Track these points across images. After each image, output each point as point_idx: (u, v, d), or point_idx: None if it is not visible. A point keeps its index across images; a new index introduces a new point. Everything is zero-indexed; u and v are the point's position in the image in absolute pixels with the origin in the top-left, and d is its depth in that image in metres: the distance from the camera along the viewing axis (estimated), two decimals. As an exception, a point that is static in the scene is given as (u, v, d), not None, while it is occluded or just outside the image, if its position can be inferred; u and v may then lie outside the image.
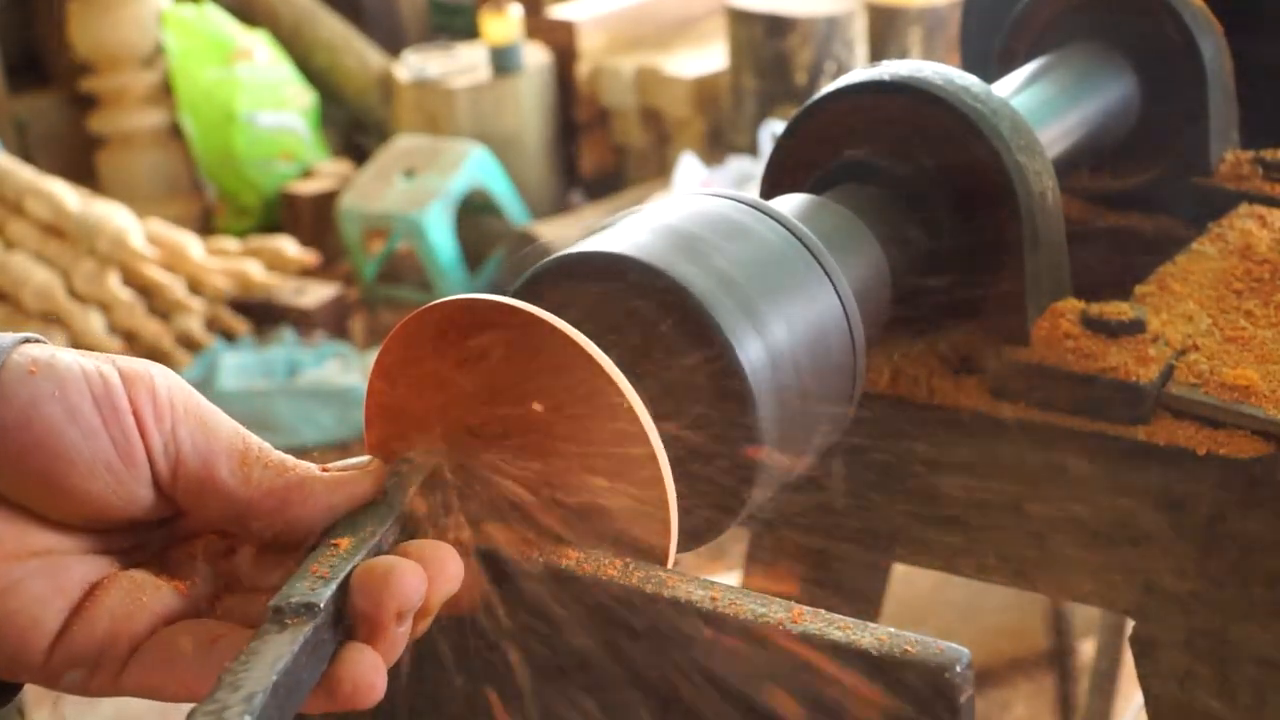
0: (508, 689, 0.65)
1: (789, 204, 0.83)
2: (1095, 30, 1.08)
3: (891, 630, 0.57)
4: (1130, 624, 0.87)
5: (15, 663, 0.58)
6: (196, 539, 0.63)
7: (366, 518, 0.60)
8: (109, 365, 0.59)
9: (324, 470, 0.62)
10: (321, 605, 0.55)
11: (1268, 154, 1.06)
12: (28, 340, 0.59)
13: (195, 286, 4.26)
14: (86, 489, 0.58)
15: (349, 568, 0.57)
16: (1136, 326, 0.86)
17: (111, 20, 5.05)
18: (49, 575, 0.58)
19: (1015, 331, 0.87)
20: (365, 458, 0.63)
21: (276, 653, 0.53)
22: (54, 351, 0.59)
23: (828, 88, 0.89)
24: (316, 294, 4.47)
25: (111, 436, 0.58)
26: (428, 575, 0.58)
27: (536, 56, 5.01)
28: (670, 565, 0.63)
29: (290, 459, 0.61)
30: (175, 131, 5.20)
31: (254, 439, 0.61)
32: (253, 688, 0.51)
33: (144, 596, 0.59)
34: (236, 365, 4.09)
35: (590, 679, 0.63)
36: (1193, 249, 0.97)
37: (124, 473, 0.58)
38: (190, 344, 4.22)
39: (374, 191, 4.60)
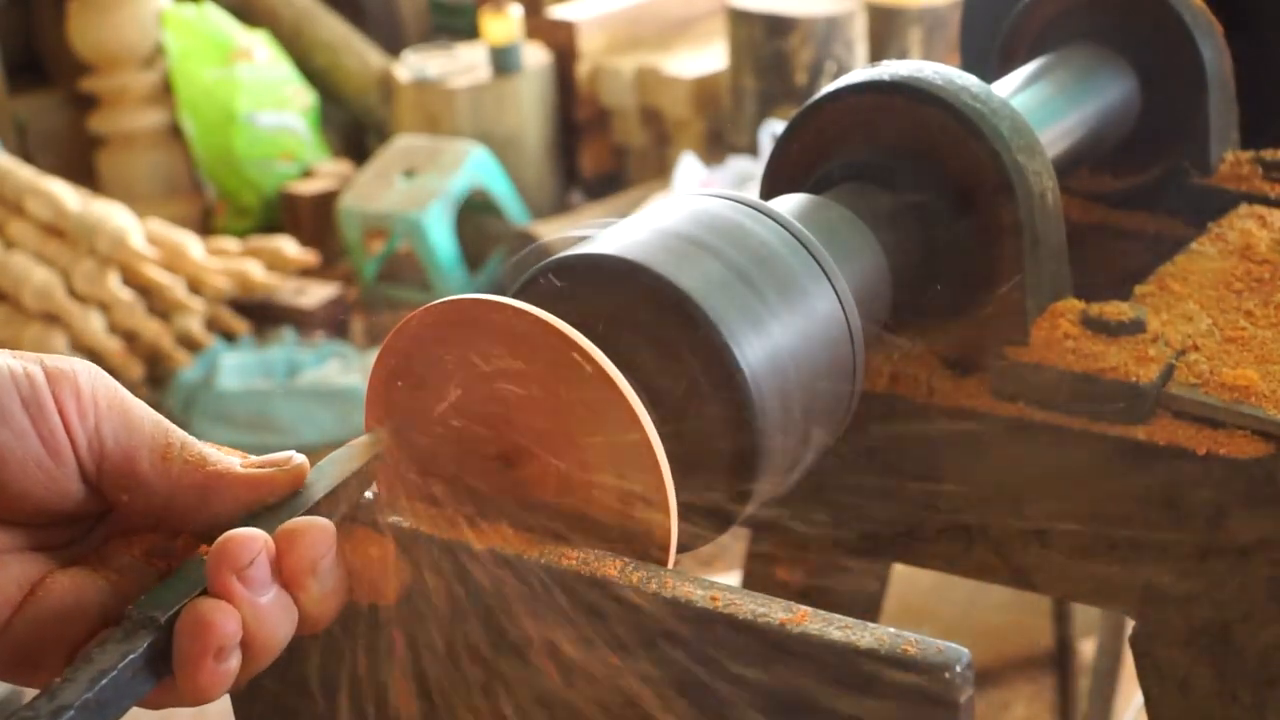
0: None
1: (789, 204, 0.83)
2: (1095, 30, 1.08)
3: (891, 630, 0.56)
4: (1130, 624, 0.87)
5: None
6: (135, 535, 0.63)
7: (267, 518, 0.61)
8: (35, 365, 0.60)
9: (245, 466, 0.62)
10: (163, 621, 0.56)
11: (1268, 154, 1.06)
12: None
13: (195, 286, 4.26)
14: (20, 486, 0.59)
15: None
16: (1136, 326, 0.86)
17: (111, 20, 5.05)
18: None
19: (1015, 331, 0.87)
20: (288, 453, 0.64)
21: (104, 665, 0.55)
22: None
23: (828, 88, 0.89)
24: (316, 294, 4.47)
25: (39, 434, 0.59)
26: (290, 544, 0.59)
27: (536, 56, 5.01)
28: (670, 565, 0.63)
29: (213, 454, 0.63)
30: (175, 131, 5.20)
31: (178, 434, 0.62)
32: (66, 700, 0.53)
33: (84, 596, 0.60)
34: (236, 365, 4.09)
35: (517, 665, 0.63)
36: (1193, 249, 0.97)
37: (54, 469, 0.60)
38: (190, 344, 4.22)
39: (374, 191, 4.60)
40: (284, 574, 0.59)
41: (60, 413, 0.60)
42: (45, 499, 0.60)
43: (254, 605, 0.58)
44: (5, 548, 0.60)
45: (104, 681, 0.54)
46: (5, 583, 0.59)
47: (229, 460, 0.63)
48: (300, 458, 0.63)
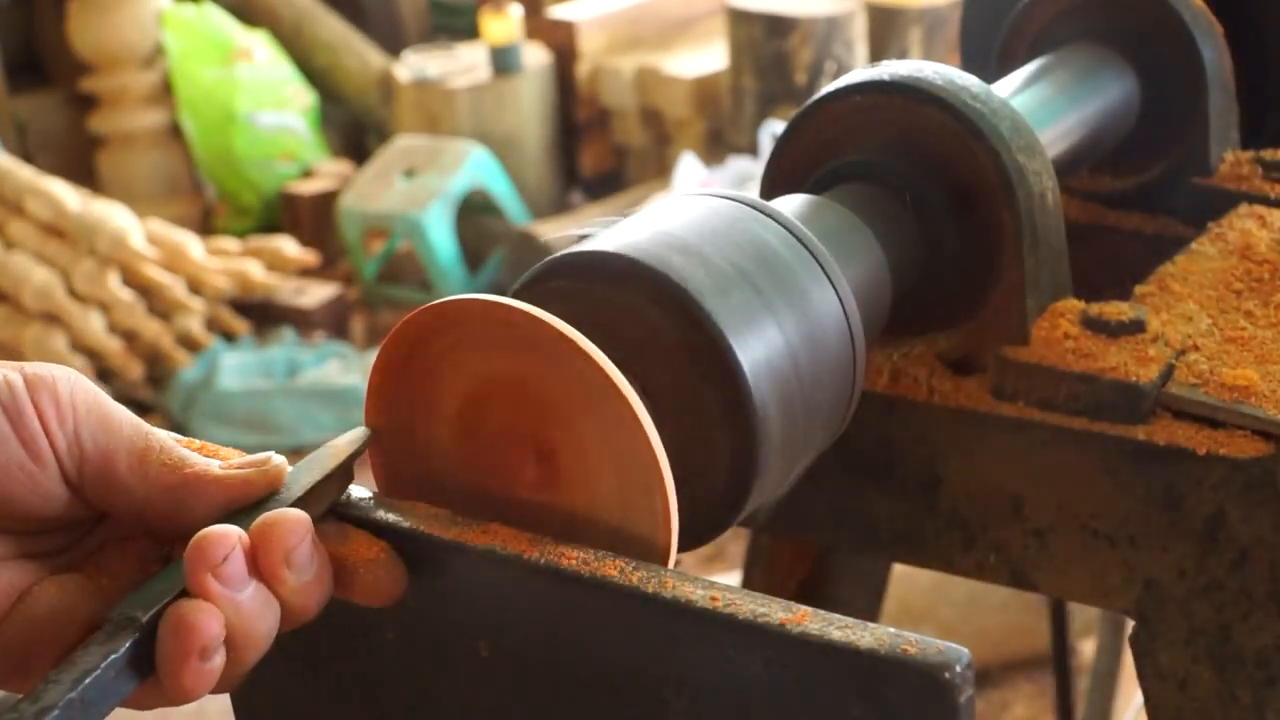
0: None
1: (789, 204, 0.83)
2: (1095, 30, 1.08)
3: (891, 630, 0.56)
4: (1130, 624, 0.87)
5: None
6: (129, 542, 0.64)
7: (244, 518, 0.61)
8: (15, 372, 0.61)
9: (224, 468, 0.63)
10: (144, 620, 0.57)
11: (1268, 154, 1.06)
12: None
13: (195, 286, 4.26)
14: (3, 490, 0.60)
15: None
16: (1136, 326, 0.86)
17: (111, 20, 5.05)
18: None
19: (1015, 331, 0.87)
20: (266, 454, 0.64)
21: (87, 665, 0.55)
22: None
23: (828, 88, 0.89)
24: (316, 294, 4.48)
25: (20, 438, 0.60)
26: (263, 537, 0.59)
27: (536, 56, 5.01)
28: (670, 565, 0.63)
29: (192, 457, 0.63)
30: (175, 131, 5.21)
31: (158, 437, 0.63)
32: (50, 701, 0.54)
33: (74, 602, 0.60)
34: (236, 365, 4.09)
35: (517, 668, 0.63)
36: (1193, 249, 0.97)
37: (36, 472, 0.60)
38: (190, 344, 4.22)
39: (374, 191, 4.61)
40: (260, 568, 0.59)
41: (40, 417, 0.60)
42: (30, 504, 0.61)
43: (233, 602, 0.58)
44: None
45: (87, 681, 0.55)
46: None
47: (207, 463, 0.63)
48: (279, 458, 0.64)
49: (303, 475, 0.64)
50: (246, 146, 5.05)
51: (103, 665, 0.55)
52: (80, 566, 0.63)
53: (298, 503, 0.62)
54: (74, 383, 0.62)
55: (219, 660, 0.57)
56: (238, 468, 0.63)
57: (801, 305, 0.72)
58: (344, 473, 0.65)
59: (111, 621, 0.57)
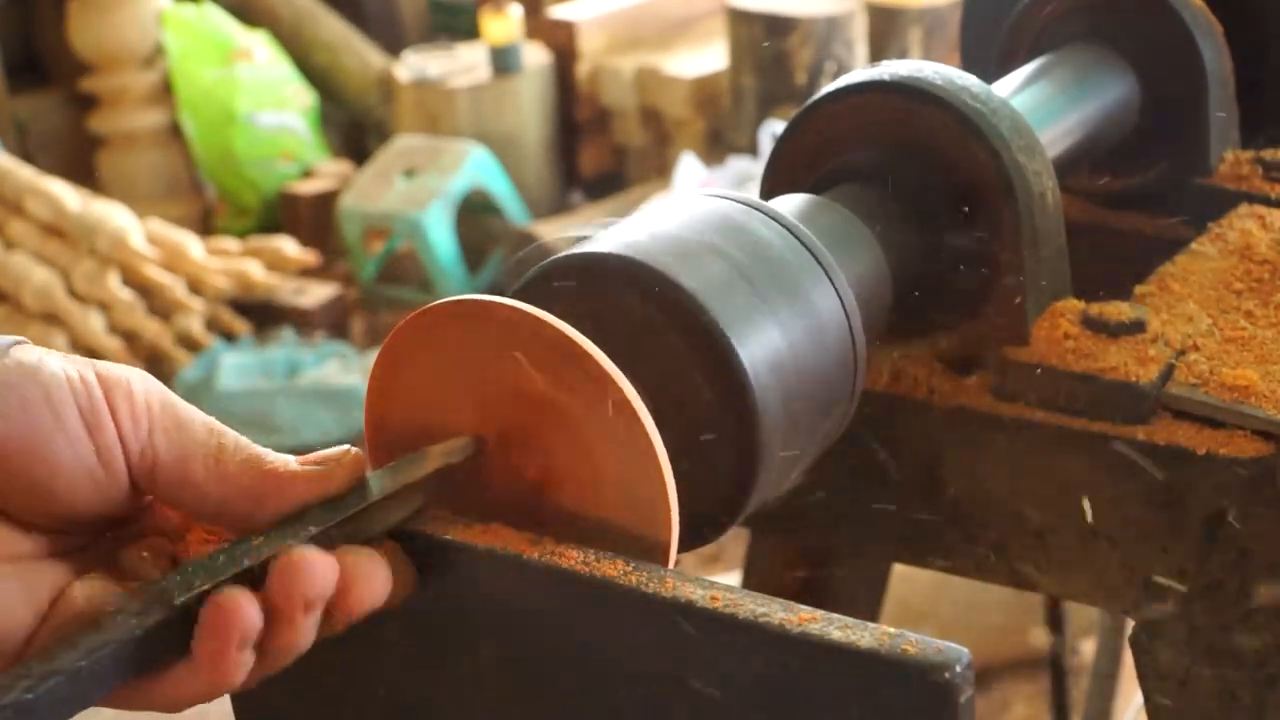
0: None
1: (789, 204, 0.83)
2: (1095, 30, 1.08)
3: (891, 630, 0.56)
4: (1130, 624, 0.87)
5: None
6: (148, 539, 0.63)
7: (321, 515, 0.61)
8: (90, 371, 0.60)
9: (302, 463, 0.62)
10: (178, 602, 0.56)
11: (1268, 154, 1.06)
12: (18, 344, 0.60)
13: (195, 286, 4.26)
14: (69, 496, 0.59)
15: (238, 566, 0.58)
16: (1136, 326, 0.86)
17: (111, 20, 5.05)
18: (20, 580, 0.59)
19: (1015, 331, 0.87)
20: (344, 447, 0.63)
21: (109, 635, 0.54)
22: (41, 356, 0.60)
23: (828, 88, 0.89)
24: (316, 294, 4.47)
25: (95, 443, 0.59)
26: (351, 582, 0.59)
27: (536, 56, 5.01)
28: (671, 565, 0.63)
29: (270, 454, 0.62)
30: (175, 131, 5.20)
31: (231, 436, 0.62)
32: (59, 666, 0.52)
33: (106, 602, 0.59)
34: (236, 365, 4.09)
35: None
36: (1193, 249, 0.97)
37: (104, 479, 0.60)
38: (190, 344, 4.22)
39: (374, 191, 4.60)
40: (338, 606, 0.59)
41: (115, 421, 0.59)
42: (89, 508, 0.60)
43: (304, 628, 0.58)
44: (35, 554, 0.60)
45: (103, 652, 0.54)
46: (37, 588, 0.59)
47: (284, 459, 0.62)
48: (355, 450, 0.63)
49: (387, 478, 0.63)
50: (246, 146, 5.04)
51: (124, 639, 0.54)
52: (99, 564, 0.62)
53: (377, 505, 0.62)
54: (148, 384, 0.61)
55: (248, 656, 0.57)
56: (316, 462, 0.62)
57: (801, 305, 0.72)
58: (431, 481, 0.64)
59: (149, 594, 0.56)
